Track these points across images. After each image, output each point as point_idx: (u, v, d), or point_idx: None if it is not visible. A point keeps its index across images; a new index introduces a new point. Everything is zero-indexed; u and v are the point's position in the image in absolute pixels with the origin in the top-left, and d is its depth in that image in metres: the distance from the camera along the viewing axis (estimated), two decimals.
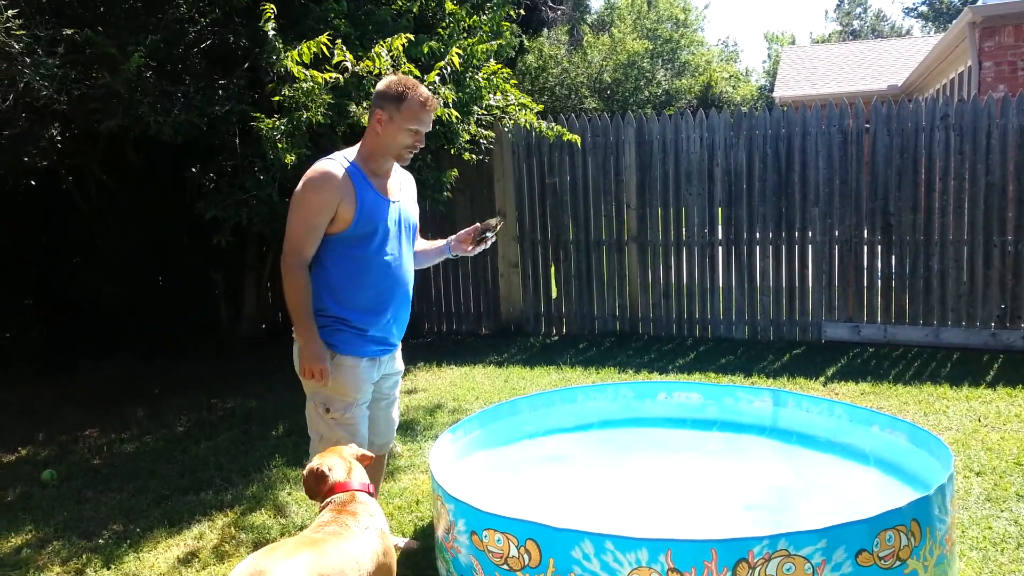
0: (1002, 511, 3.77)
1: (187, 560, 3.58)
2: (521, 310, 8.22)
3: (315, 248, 3.03)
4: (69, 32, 5.27)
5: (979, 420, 5.11)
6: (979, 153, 6.75)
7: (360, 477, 2.75)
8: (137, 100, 5.40)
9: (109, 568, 3.52)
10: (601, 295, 7.99)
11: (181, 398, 6.18)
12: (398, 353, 3.38)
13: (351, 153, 3.12)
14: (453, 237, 3.48)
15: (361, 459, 2.85)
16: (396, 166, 3.22)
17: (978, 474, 4.22)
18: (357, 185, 3.02)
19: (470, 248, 3.45)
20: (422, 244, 3.51)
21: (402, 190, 3.25)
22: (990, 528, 3.60)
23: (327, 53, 5.09)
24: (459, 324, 8.43)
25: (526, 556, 2.83)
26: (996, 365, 6.39)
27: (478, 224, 3.45)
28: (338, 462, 2.76)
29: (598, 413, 4.67)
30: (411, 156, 3.15)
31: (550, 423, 4.49)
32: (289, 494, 4.25)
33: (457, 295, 8.43)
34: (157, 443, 5.20)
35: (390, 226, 3.12)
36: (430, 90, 4.86)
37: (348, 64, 5.10)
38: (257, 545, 3.66)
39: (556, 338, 8.00)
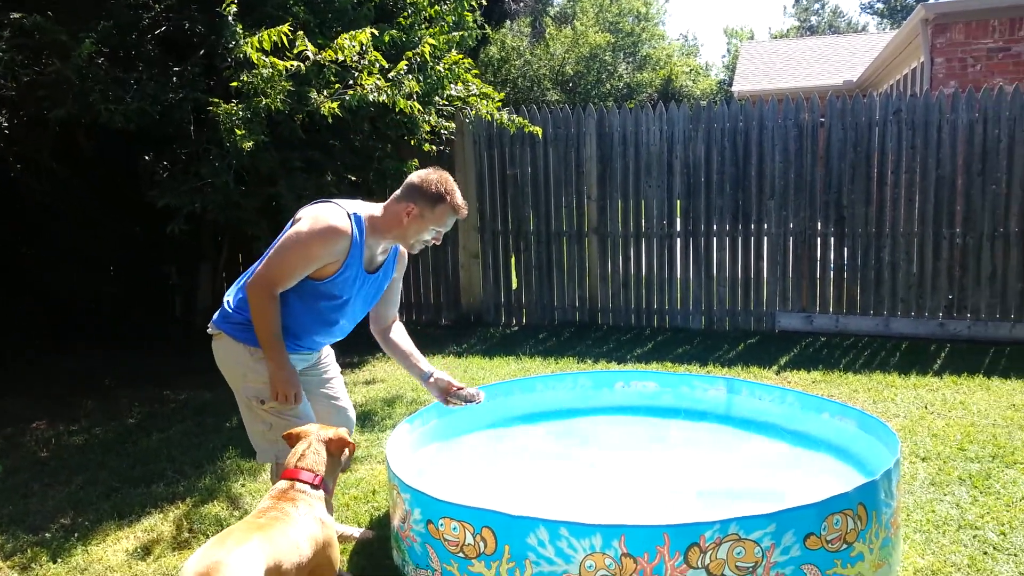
0: (945, 495, 3.88)
1: (137, 553, 3.52)
2: (481, 300, 8.22)
3: (289, 286, 2.98)
4: (16, 16, 5.12)
5: (926, 407, 5.25)
6: (930, 147, 6.91)
7: (313, 462, 2.68)
8: (88, 88, 5.28)
9: (56, 562, 3.45)
10: (561, 286, 8.03)
11: (133, 390, 6.07)
12: (316, 353, 3.33)
13: (361, 211, 3.03)
14: (439, 376, 3.43)
15: (331, 442, 2.76)
16: None
17: (923, 459, 4.34)
18: (351, 256, 2.99)
19: (440, 397, 3.45)
20: (408, 346, 3.45)
21: (392, 265, 3.24)
22: (933, 511, 3.70)
23: (286, 43, 5.01)
24: (419, 315, 8.40)
25: (482, 544, 2.85)
26: (943, 354, 6.56)
27: (465, 390, 3.46)
28: (298, 447, 2.73)
29: (556, 402, 4.69)
30: (421, 248, 3.15)
31: (508, 413, 4.50)
32: (243, 485, 4.21)
33: (417, 286, 8.40)
34: (107, 435, 5.10)
35: (355, 296, 3.11)
36: (395, 80, 4.77)
37: (309, 53, 5.03)
38: (206, 537, 3.62)
39: (516, 328, 8.01)
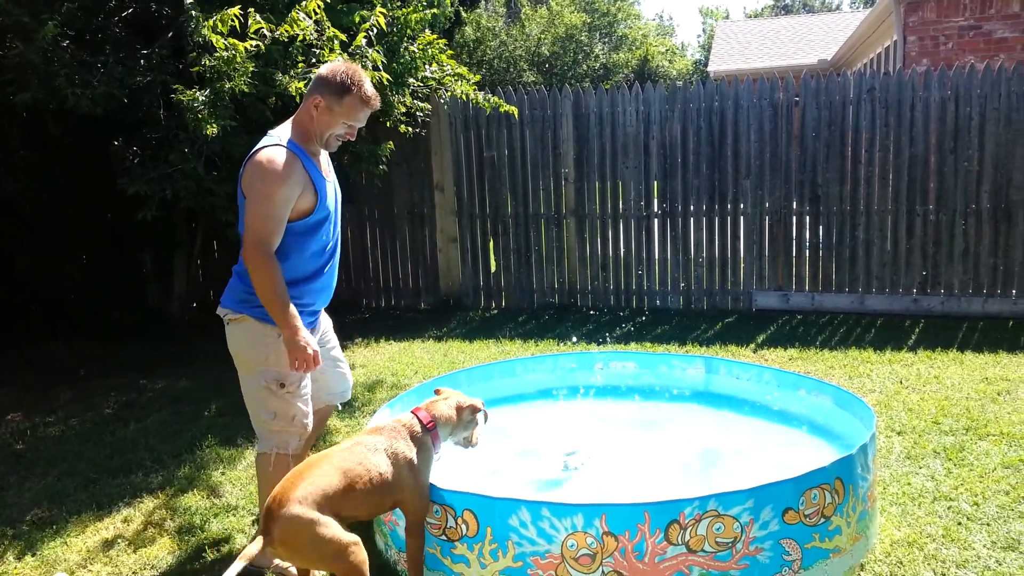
0: (920, 468, 3.94)
1: (114, 543, 3.49)
2: (460, 284, 8.20)
3: (281, 235, 2.92)
4: None
5: (901, 382, 5.32)
6: (903, 125, 6.96)
7: (436, 410, 2.98)
8: (54, 71, 5.16)
9: (33, 555, 3.42)
10: (540, 268, 8.02)
11: (109, 380, 6.00)
12: (320, 320, 3.34)
13: (286, 132, 3.00)
14: None
15: (461, 408, 3.05)
16: None
17: (899, 433, 4.40)
18: (310, 170, 2.97)
19: None
20: None
21: (329, 168, 3.21)
22: (909, 484, 3.76)
23: (238, 27, 4.91)
24: (398, 299, 8.37)
25: (464, 526, 2.85)
26: (917, 330, 6.65)
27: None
28: (457, 402, 3.05)
29: (537, 384, 4.70)
30: (338, 145, 3.11)
31: (489, 395, 4.49)
32: (223, 474, 4.18)
33: (395, 270, 8.36)
34: (84, 426, 5.04)
35: (333, 207, 3.13)
36: (357, 55, 4.71)
37: (266, 31, 4.94)
38: (185, 526, 3.60)
39: (495, 312, 8.01)
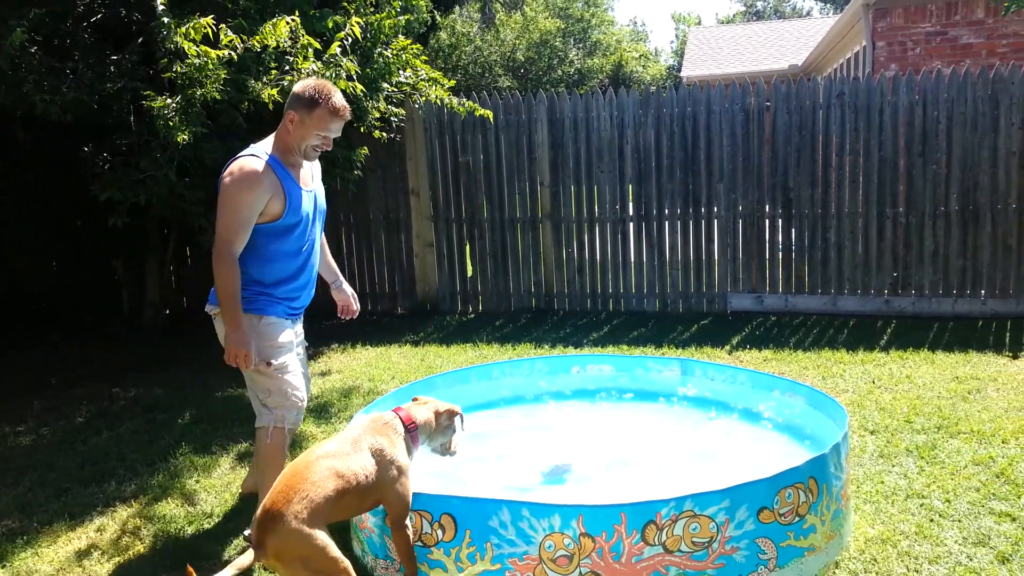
0: (893, 466, 3.99)
1: (87, 553, 3.44)
2: (437, 289, 8.19)
3: (246, 240, 3.20)
4: None
5: (873, 382, 5.39)
6: (872, 129, 7.07)
7: (415, 413, 3.04)
8: (21, 77, 5.09)
9: (3, 566, 3.35)
10: (516, 272, 8.04)
11: (81, 388, 5.91)
12: (300, 322, 3.64)
13: (267, 146, 3.28)
14: (341, 284, 3.88)
15: (439, 414, 3.11)
16: None
17: (872, 432, 4.46)
18: (282, 179, 3.23)
19: (339, 309, 3.88)
20: (326, 254, 3.79)
21: (314, 179, 3.48)
22: (882, 482, 3.81)
23: (211, 35, 4.88)
24: (374, 304, 8.33)
25: (440, 532, 2.85)
26: (889, 330, 6.74)
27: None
28: (435, 408, 3.11)
29: (514, 388, 4.71)
30: (317, 155, 3.36)
31: (466, 400, 4.49)
32: (197, 482, 4.13)
33: (372, 275, 8.33)
34: (55, 435, 4.97)
35: (309, 214, 3.38)
36: (331, 63, 4.76)
37: (236, 43, 4.92)
38: (160, 535, 3.56)
39: (472, 316, 8.01)
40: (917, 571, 3.02)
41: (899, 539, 3.25)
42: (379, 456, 2.81)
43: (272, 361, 3.30)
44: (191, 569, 2.48)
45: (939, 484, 3.75)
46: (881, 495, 3.67)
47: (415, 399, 3.22)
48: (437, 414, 3.10)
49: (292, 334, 3.46)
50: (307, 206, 3.34)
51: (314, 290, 3.58)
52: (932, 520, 3.41)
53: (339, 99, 3.22)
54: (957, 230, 7.01)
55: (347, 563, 2.62)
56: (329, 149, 3.35)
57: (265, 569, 2.97)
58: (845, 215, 7.23)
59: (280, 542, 2.51)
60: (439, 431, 3.11)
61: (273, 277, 3.32)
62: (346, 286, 3.88)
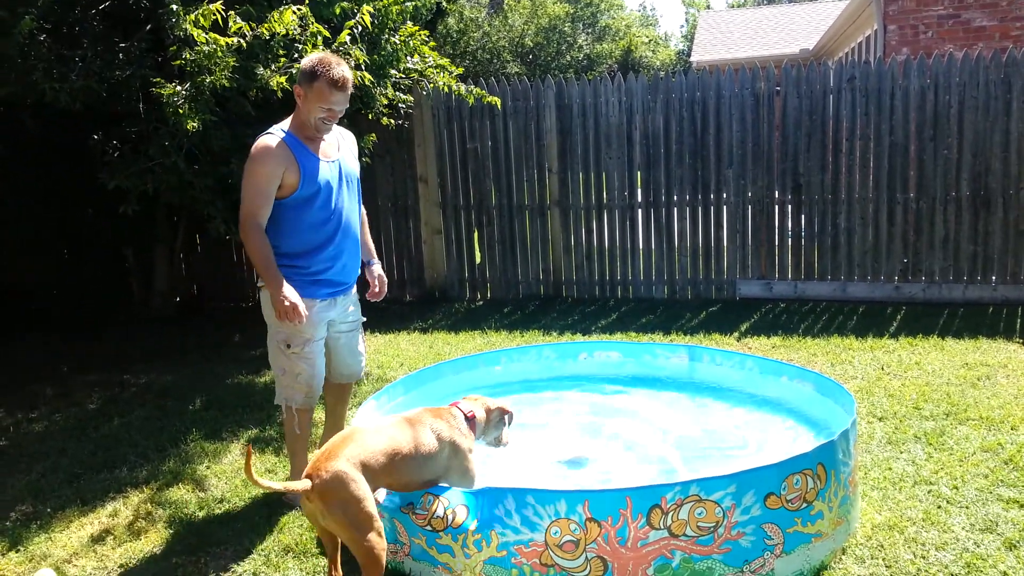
0: (901, 453, 3.99)
1: (100, 538, 3.48)
2: (445, 276, 8.20)
3: (269, 211, 3.32)
4: None
5: (882, 368, 5.37)
6: (883, 114, 7.01)
7: (469, 407, 3.25)
8: (31, 66, 5.11)
9: (17, 551, 3.40)
10: (525, 259, 8.03)
11: (92, 376, 5.96)
12: (354, 298, 3.72)
13: (286, 124, 3.41)
14: (371, 264, 3.85)
15: (490, 411, 3.33)
16: (334, 126, 3.49)
17: (880, 419, 4.45)
18: (296, 152, 3.34)
19: (372, 289, 3.82)
20: (365, 232, 3.82)
21: (340, 149, 3.56)
22: (890, 469, 3.80)
23: (220, 22, 4.88)
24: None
25: (450, 516, 2.86)
26: (899, 317, 6.71)
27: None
28: (484, 404, 3.33)
29: (522, 375, 4.72)
30: (329, 128, 3.42)
31: (475, 386, 4.51)
32: (207, 468, 4.17)
33: (380, 262, 8.32)
34: (67, 422, 5.02)
35: (332, 183, 3.44)
36: (340, 51, 4.77)
37: (246, 31, 4.92)
38: (171, 520, 3.60)
39: (481, 303, 8.01)
40: (924, 557, 3.02)
41: (906, 525, 3.25)
42: (437, 435, 3.02)
43: (292, 344, 3.45)
44: (250, 448, 2.70)
45: (947, 471, 3.74)
46: (889, 482, 3.67)
47: (465, 398, 3.38)
48: (488, 411, 3.33)
49: (324, 322, 3.53)
50: (326, 175, 3.42)
51: (358, 264, 3.66)
52: (940, 507, 3.40)
53: (339, 71, 3.27)
54: (968, 215, 6.96)
55: (381, 525, 2.75)
56: (335, 121, 3.41)
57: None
58: (855, 200, 7.19)
59: (327, 482, 2.66)
60: (491, 426, 3.34)
61: (301, 247, 3.41)
62: (376, 267, 3.85)
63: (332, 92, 3.26)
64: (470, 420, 3.20)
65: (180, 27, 4.76)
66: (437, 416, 3.10)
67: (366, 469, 2.74)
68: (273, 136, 3.34)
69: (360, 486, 2.69)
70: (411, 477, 2.95)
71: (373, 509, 2.71)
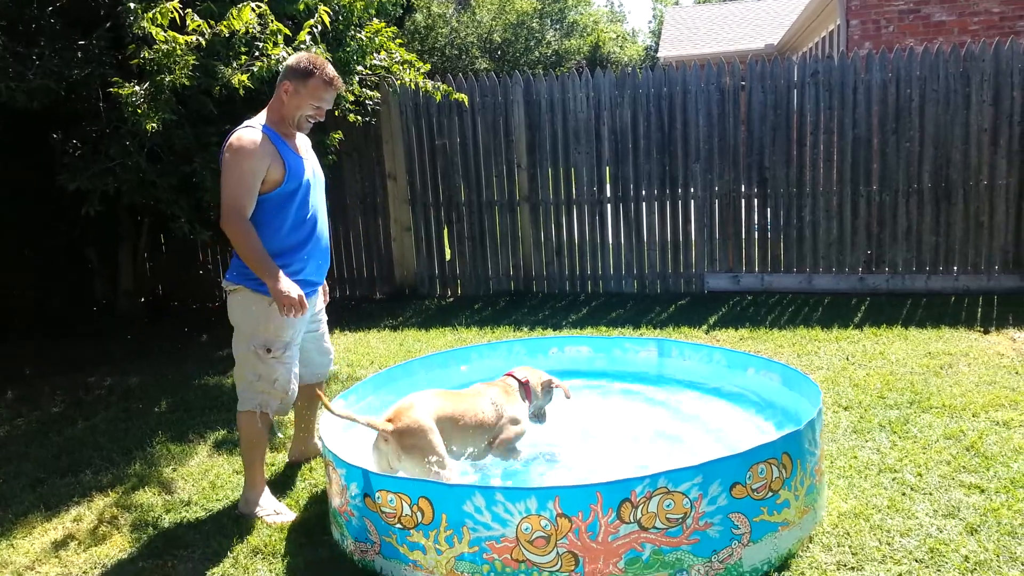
0: (866, 441, 4.05)
1: (64, 543, 3.42)
2: (415, 273, 8.17)
3: (253, 204, 3.28)
4: None
5: (847, 359, 5.45)
6: (846, 108, 7.10)
7: (524, 374, 3.71)
8: None
9: None
10: (495, 255, 8.03)
11: (55, 378, 5.85)
12: (320, 294, 3.76)
13: (262, 118, 3.39)
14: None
15: (541, 384, 3.74)
16: None
17: (846, 408, 4.52)
18: (279, 147, 3.35)
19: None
20: None
21: (307, 150, 3.58)
22: (855, 457, 3.86)
23: (178, 20, 4.81)
24: (352, 289, 8.31)
25: (419, 514, 2.86)
26: (863, 307, 6.81)
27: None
28: (537, 374, 3.76)
29: (492, 372, 4.70)
30: (310, 126, 3.48)
31: (445, 384, 4.50)
32: (174, 470, 4.11)
33: (350, 260, 8.29)
34: (30, 425, 4.92)
35: (308, 180, 3.47)
36: (301, 49, 4.75)
37: (205, 28, 4.85)
38: (137, 524, 3.55)
39: (451, 299, 8.00)
40: (889, 544, 3.07)
41: (872, 513, 3.30)
42: (495, 407, 3.46)
43: (272, 348, 3.40)
44: (323, 393, 3.20)
45: (911, 458, 3.81)
46: (854, 470, 3.72)
47: (511, 372, 3.75)
48: (541, 382, 3.68)
49: (303, 321, 3.53)
50: (306, 172, 3.45)
51: (328, 263, 3.67)
52: (904, 494, 3.46)
53: (332, 70, 3.39)
54: (930, 207, 7.08)
55: (451, 470, 3.16)
56: (322, 119, 3.49)
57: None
58: (820, 194, 7.28)
59: (408, 427, 3.08)
60: (542, 397, 3.68)
61: (280, 246, 3.37)
62: None
63: (326, 90, 3.35)
64: (524, 386, 3.58)
65: (138, 25, 4.67)
66: (495, 386, 3.55)
67: (438, 420, 3.16)
68: (255, 130, 3.32)
69: (435, 435, 3.11)
70: (466, 443, 3.34)
71: (445, 455, 3.12)
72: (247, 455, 3.56)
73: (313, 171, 3.54)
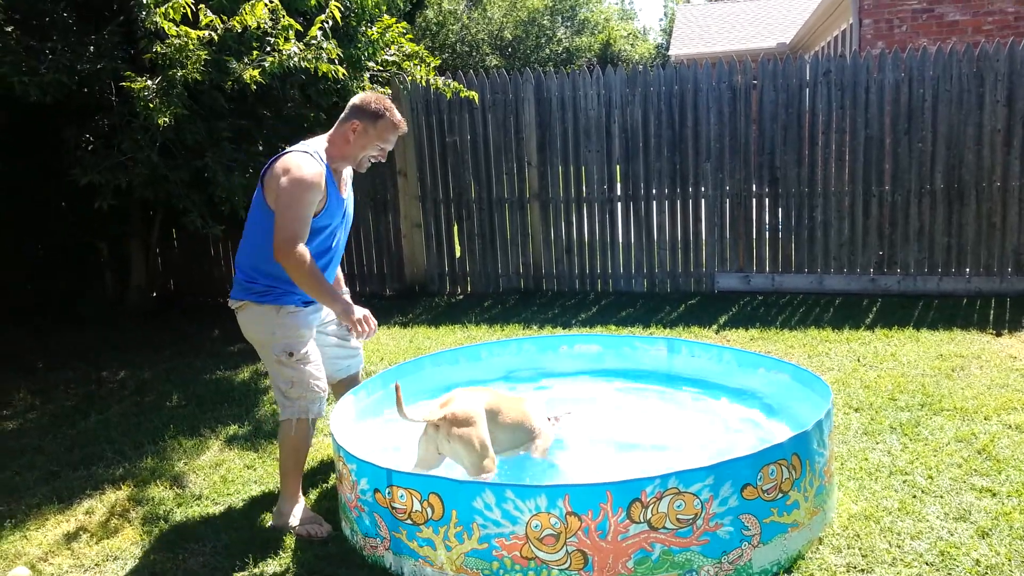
0: (877, 443, 4.04)
1: (76, 536, 3.45)
2: (425, 270, 8.18)
3: (307, 234, 3.22)
4: None
5: (858, 360, 5.43)
6: (859, 107, 7.07)
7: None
8: None
9: None
10: (505, 253, 8.03)
11: (68, 372, 5.89)
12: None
13: (319, 148, 3.34)
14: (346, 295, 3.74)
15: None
16: None
17: (856, 410, 4.50)
18: (328, 185, 3.33)
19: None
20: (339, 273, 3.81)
21: (348, 185, 3.57)
22: (866, 459, 3.85)
23: (190, 15, 4.83)
24: (363, 286, 8.32)
25: (429, 510, 2.87)
26: (875, 308, 6.79)
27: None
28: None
29: (502, 368, 4.72)
30: (369, 165, 3.50)
31: (454, 380, 4.51)
32: (185, 464, 4.14)
33: (360, 257, 8.30)
34: (43, 419, 4.96)
35: (339, 220, 3.48)
36: (312, 44, 4.77)
37: (217, 23, 4.87)
38: (149, 518, 3.57)
39: (461, 297, 8.01)
40: (899, 546, 3.07)
41: (882, 515, 3.30)
42: (535, 411, 3.67)
43: (294, 351, 3.34)
44: (398, 386, 3.10)
45: (922, 461, 3.80)
46: (865, 472, 3.71)
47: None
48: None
49: (314, 324, 3.50)
50: (339, 214, 3.46)
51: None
52: (915, 496, 3.45)
53: (398, 113, 3.43)
54: (942, 208, 7.04)
55: (495, 461, 3.26)
56: (383, 160, 3.54)
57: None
58: (831, 193, 7.25)
59: (458, 416, 3.21)
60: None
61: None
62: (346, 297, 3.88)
63: (394, 132, 3.39)
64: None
65: (151, 20, 4.69)
66: (532, 399, 3.75)
67: (486, 413, 3.32)
68: (317, 163, 3.26)
69: (483, 424, 3.26)
70: (506, 440, 3.47)
71: (489, 444, 3.24)
72: (285, 463, 3.45)
73: (346, 211, 3.53)
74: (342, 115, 3.38)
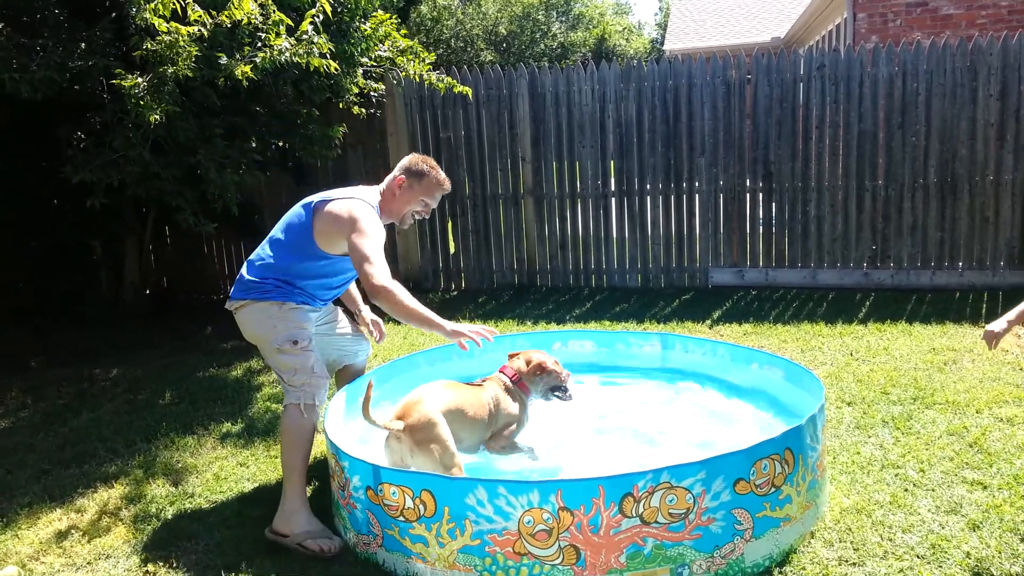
0: (869, 437, 4.05)
1: (68, 534, 3.44)
2: (419, 267, 8.17)
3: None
4: None
5: (851, 354, 5.44)
6: (852, 101, 7.08)
7: (516, 367, 3.68)
8: None
9: None
10: (499, 249, 8.03)
11: (60, 370, 5.88)
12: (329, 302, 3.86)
13: (374, 199, 3.54)
14: (361, 312, 4.05)
15: (530, 364, 3.67)
16: None
17: (849, 404, 4.51)
18: None
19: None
20: (354, 289, 3.99)
21: None
22: (858, 453, 3.86)
23: (180, 12, 4.80)
24: (356, 283, 8.29)
25: (421, 507, 2.86)
26: (868, 303, 6.80)
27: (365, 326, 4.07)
28: (525, 359, 3.71)
29: (495, 365, 4.70)
30: (412, 222, 3.69)
31: (448, 377, 4.50)
32: (178, 462, 4.13)
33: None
34: (35, 416, 4.94)
35: None
36: (303, 39, 4.78)
37: (206, 19, 4.85)
38: (141, 516, 3.56)
39: (455, 293, 8.00)
40: (891, 540, 3.07)
41: (874, 509, 3.30)
42: (494, 402, 3.50)
43: (298, 340, 3.43)
44: (371, 383, 3.09)
45: (914, 454, 3.81)
46: (857, 466, 3.72)
47: (511, 355, 3.75)
48: (528, 363, 3.67)
49: (313, 318, 3.60)
50: None
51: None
52: (906, 490, 3.46)
53: (443, 173, 3.66)
54: (935, 202, 7.05)
55: (460, 461, 3.16)
56: (427, 217, 3.80)
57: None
58: (825, 188, 7.26)
59: (419, 422, 3.14)
60: (536, 380, 3.66)
61: (308, 282, 3.51)
62: (366, 311, 4.03)
63: (438, 189, 3.61)
64: (516, 382, 3.60)
65: (141, 16, 4.66)
66: (495, 382, 3.58)
67: (445, 414, 3.22)
68: (374, 211, 3.45)
69: (444, 428, 3.16)
70: (469, 438, 3.39)
71: (454, 448, 3.15)
72: (290, 456, 3.34)
73: None
74: (391, 173, 3.60)
